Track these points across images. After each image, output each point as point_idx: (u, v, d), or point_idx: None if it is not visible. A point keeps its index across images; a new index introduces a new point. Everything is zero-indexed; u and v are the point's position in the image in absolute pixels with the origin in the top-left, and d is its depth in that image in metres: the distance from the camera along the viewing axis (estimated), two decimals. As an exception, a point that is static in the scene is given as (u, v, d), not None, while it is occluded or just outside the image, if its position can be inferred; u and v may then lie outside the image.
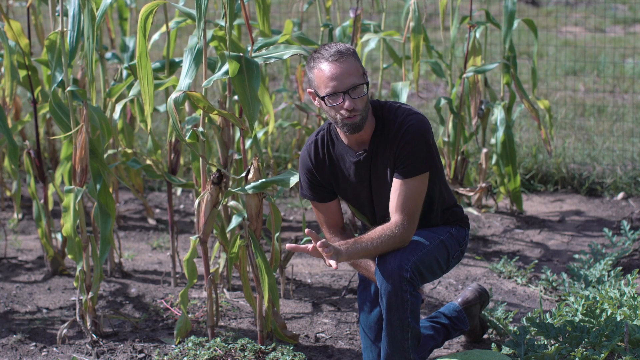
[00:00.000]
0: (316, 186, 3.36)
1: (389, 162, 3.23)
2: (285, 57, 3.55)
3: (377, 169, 3.26)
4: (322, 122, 5.31)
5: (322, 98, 3.12)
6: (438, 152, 3.29)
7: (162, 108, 5.13)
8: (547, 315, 3.80)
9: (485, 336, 3.84)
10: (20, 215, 5.75)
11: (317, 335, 3.97)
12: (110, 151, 4.88)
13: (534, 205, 5.82)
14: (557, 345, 3.39)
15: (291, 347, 3.68)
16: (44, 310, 4.33)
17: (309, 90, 3.21)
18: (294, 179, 3.57)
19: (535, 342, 3.50)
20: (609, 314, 3.58)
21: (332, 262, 2.99)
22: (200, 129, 3.73)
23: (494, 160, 5.55)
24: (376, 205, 3.34)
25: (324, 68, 3.11)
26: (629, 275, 4.11)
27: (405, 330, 3.18)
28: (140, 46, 3.52)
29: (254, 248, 3.66)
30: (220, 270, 4.25)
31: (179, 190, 6.19)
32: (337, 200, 3.41)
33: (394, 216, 3.19)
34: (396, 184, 3.20)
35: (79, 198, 3.83)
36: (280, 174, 3.65)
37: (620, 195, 5.91)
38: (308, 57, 3.20)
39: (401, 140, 3.18)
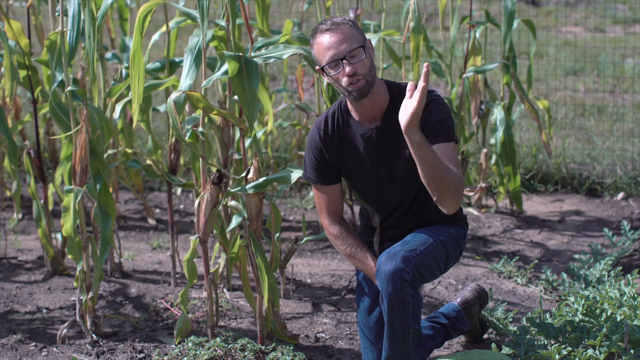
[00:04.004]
0: (322, 166, 3.33)
1: (404, 141, 3.14)
2: (284, 56, 3.55)
3: (389, 147, 3.24)
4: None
5: (323, 68, 3.16)
6: None
7: (162, 108, 5.13)
8: (547, 315, 3.80)
9: (485, 336, 3.84)
10: (20, 215, 5.76)
11: (317, 335, 3.97)
12: (110, 151, 4.88)
13: (534, 205, 5.82)
14: (557, 345, 3.39)
15: (291, 347, 3.68)
16: (44, 310, 4.33)
17: (317, 67, 3.24)
18: (294, 176, 3.56)
19: (535, 342, 3.50)
20: (609, 314, 3.58)
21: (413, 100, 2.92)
22: (200, 129, 3.73)
23: (493, 160, 5.55)
24: (387, 187, 3.31)
25: (321, 39, 3.15)
26: (629, 275, 4.11)
27: (407, 331, 3.17)
28: (136, 44, 3.52)
29: (254, 248, 3.66)
30: (220, 270, 4.25)
31: (178, 190, 6.20)
32: (340, 185, 3.40)
33: None
34: (438, 149, 3.11)
35: (79, 198, 3.83)
36: (280, 172, 3.64)
37: (620, 195, 5.91)
38: (310, 37, 3.23)
39: (427, 111, 3.13)
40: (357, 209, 5.66)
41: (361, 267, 3.34)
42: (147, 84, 4.12)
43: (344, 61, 3.11)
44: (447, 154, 3.12)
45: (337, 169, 3.35)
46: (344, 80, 3.13)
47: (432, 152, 3.00)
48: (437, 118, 3.15)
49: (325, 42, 3.13)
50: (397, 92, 3.24)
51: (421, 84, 2.92)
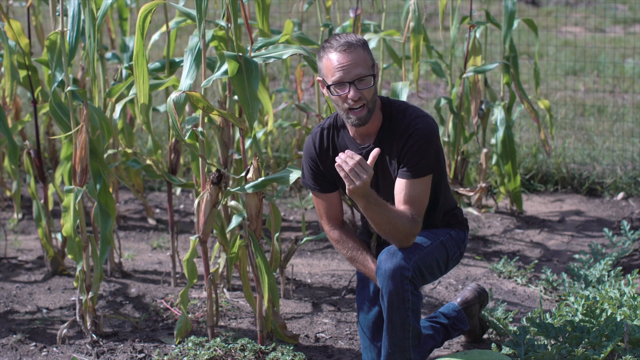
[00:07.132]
0: (318, 176, 3.35)
1: (394, 159, 3.23)
2: (284, 56, 3.55)
3: (382, 165, 3.26)
4: (322, 122, 5.31)
5: (329, 87, 3.14)
6: (444, 156, 3.29)
7: (162, 108, 5.13)
8: (547, 315, 3.80)
9: (485, 336, 3.84)
10: (20, 215, 5.75)
11: (317, 335, 3.97)
12: (110, 151, 4.88)
13: (534, 205, 5.82)
14: (557, 345, 3.39)
15: (291, 347, 3.68)
16: (44, 310, 4.33)
17: (317, 78, 3.24)
18: (293, 176, 3.56)
19: (535, 342, 3.50)
20: (609, 314, 3.58)
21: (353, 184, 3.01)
22: (200, 129, 3.73)
23: (494, 160, 5.55)
24: None
25: (332, 57, 3.12)
26: (629, 275, 4.11)
27: (407, 329, 3.18)
28: (138, 45, 3.53)
29: (253, 248, 3.66)
30: (220, 270, 4.25)
31: (178, 190, 6.20)
32: (339, 192, 3.41)
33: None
34: (401, 183, 3.19)
35: (79, 198, 3.83)
36: (279, 172, 3.64)
37: (620, 195, 5.91)
38: (319, 46, 3.22)
39: (408, 141, 3.18)
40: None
41: (362, 270, 3.35)
42: (146, 84, 4.12)
43: (351, 85, 3.10)
44: (409, 192, 3.17)
45: (332, 179, 3.36)
46: (347, 104, 3.13)
47: (383, 208, 3.09)
48: (414, 152, 3.18)
49: (335, 61, 3.11)
50: (389, 112, 3.25)
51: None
